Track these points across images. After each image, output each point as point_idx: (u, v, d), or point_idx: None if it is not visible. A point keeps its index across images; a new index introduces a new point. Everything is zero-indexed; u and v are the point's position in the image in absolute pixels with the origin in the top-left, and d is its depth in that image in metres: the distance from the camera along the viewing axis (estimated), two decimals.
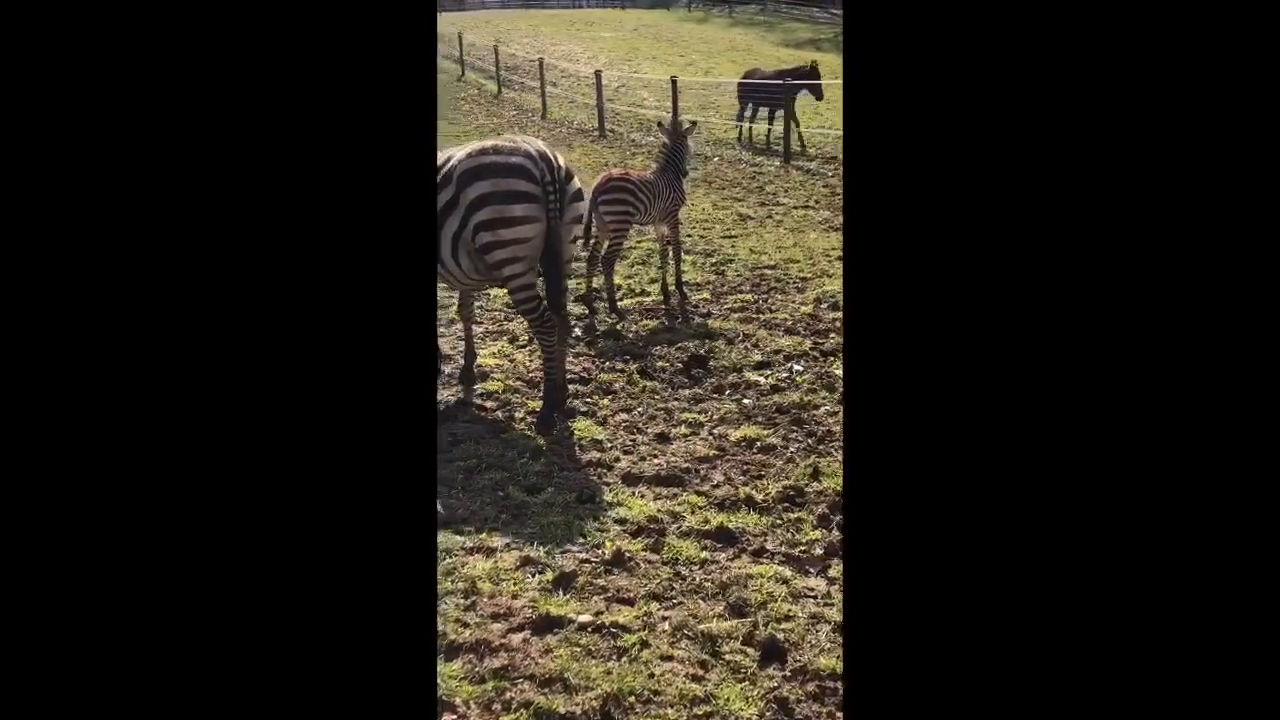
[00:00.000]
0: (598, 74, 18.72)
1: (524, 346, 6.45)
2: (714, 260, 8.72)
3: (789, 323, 6.80)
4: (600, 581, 3.62)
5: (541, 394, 5.33)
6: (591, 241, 7.33)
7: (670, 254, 7.64)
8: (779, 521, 4.06)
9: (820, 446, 4.83)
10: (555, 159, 4.93)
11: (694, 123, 7.86)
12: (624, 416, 5.29)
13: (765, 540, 3.91)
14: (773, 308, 7.20)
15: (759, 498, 4.27)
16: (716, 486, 4.42)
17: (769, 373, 5.88)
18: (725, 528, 3.98)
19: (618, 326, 6.87)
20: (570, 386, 5.70)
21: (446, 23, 33.69)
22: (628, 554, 3.79)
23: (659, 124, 8.07)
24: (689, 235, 9.71)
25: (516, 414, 5.39)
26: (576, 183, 5.10)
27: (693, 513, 4.15)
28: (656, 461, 4.70)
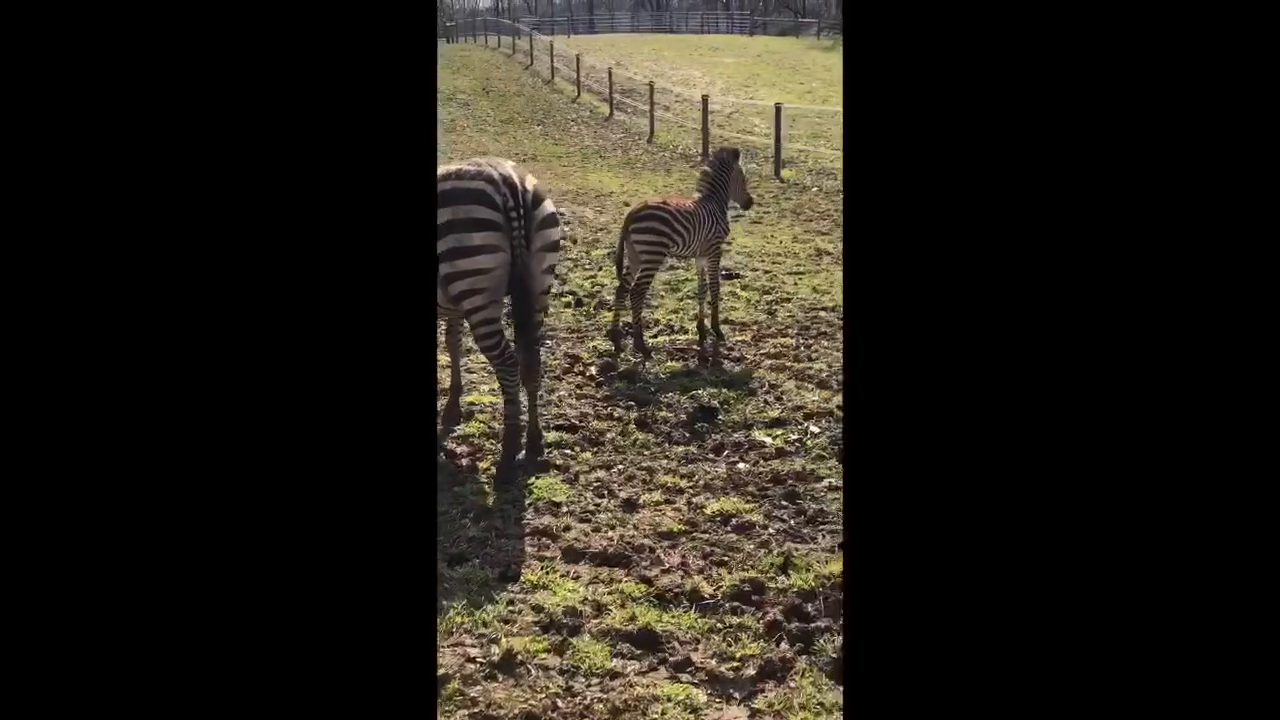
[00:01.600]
0: (704, 99, 18.18)
1: None
2: (770, 298, 7.99)
3: (824, 374, 6.01)
4: (474, 691, 2.96)
5: (524, 442, 4.74)
6: (623, 273, 6.73)
7: (708, 290, 6.96)
8: (719, 626, 3.32)
9: (805, 530, 4.05)
10: (522, 183, 4.39)
11: (736, 151, 7.15)
12: (599, 475, 4.63)
13: (694, 650, 3.19)
14: (813, 355, 6.43)
15: (708, 591, 3.54)
16: (666, 571, 3.71)
17: (780, 433, 5.12)
18: (651, 629, 3.27)
19: (639, 367, 6.23)
20: (556, 434, 5.08)
21: (572, 45, 33.75)
22: (522, 656, 3.13)
23: (705, 153, 7.40)
24: (753, 269, 9.02)
25: (482, 464, 4.80)
26: (548, 207, 4.51)
27: (623, 605, 3.45)
28: (610, 534, 4.02)
